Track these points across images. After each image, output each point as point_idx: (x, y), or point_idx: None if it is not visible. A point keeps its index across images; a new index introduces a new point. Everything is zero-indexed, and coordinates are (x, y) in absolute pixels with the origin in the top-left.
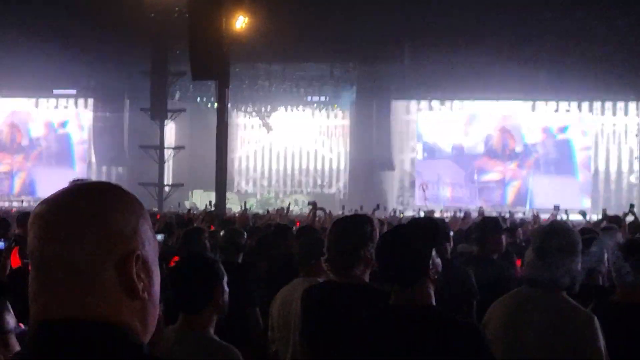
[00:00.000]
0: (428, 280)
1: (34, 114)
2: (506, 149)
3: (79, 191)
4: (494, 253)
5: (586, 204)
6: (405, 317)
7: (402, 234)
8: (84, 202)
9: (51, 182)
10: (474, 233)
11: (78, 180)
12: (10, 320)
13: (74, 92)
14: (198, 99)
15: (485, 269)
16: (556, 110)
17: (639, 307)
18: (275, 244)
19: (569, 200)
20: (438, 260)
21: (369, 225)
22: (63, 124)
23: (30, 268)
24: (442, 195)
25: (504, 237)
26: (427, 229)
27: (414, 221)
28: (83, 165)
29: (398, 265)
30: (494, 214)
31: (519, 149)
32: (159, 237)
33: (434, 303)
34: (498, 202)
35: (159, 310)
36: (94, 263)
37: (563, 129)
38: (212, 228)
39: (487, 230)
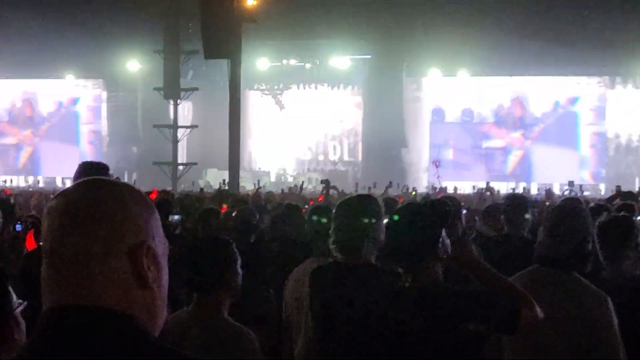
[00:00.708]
0: (437, 260)
1: (47, 90)
2: (513, 118)
3: (93, 184)
4: (523, 231)
5: (586, 177)
6: (415, 296)
7: (413, 213)
8: (98, 194)
9: (57, 159)
10: (502, 212)
11: (88, 163)
12: (13, 298)
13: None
14: (211, 77)
15: (516, 247)
16: (568, 84)
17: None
18: (286, 223)
19: (569, 173)
20: (447, 241)
21: (375, 205)
22: (74, 102)
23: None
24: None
25: (530, 213)
26: (437, 209)
27: (426, 201)
28: (97, 144)
29: (407, 244)
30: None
31: (526, 119)
32: (176, 217)
33: (442, 281)
34: (499, 169)
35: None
36: (105, 251)
37: (573, 101)
38: (224, 209)
39: (515, 208)
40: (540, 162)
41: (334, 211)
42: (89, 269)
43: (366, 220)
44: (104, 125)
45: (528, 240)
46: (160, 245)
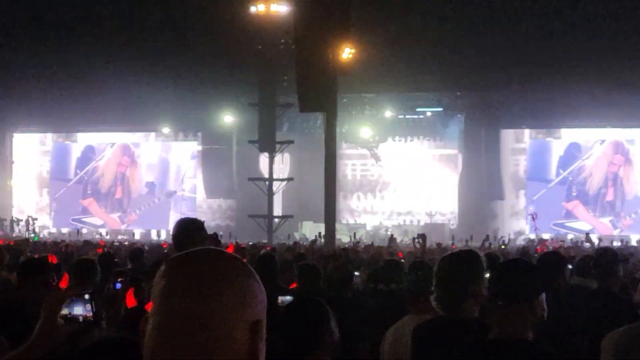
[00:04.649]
0: (531, 314)
1: (140, 157)
2: (603, 197)
3: (216, 255)
4: (614, 286)
5: None
6: (502, 351)
7: (520, 262)
8: (223, 265)
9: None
10: (592, 267)
11: (186, 220)
12: None
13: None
14: (307, 129)
15: (606, 303)
16: None
17: None
18: (386, 279)
19: None
20: (544, 305)
21: (477, 260)
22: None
23: (149, 317)
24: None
25: (621, 269)
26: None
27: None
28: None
29: (519, 281)
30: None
31: (616, 202)
32: (287, 298)
33: (530, 338)
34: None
35: None
36: (228, 323)
37: None
38: None
39: (606, 262)
40: None
41: (435, 266)
42: (207, 338)
43: (468, 277)
44: (199, 178)
45: (615, 294)
46: (264, 320)
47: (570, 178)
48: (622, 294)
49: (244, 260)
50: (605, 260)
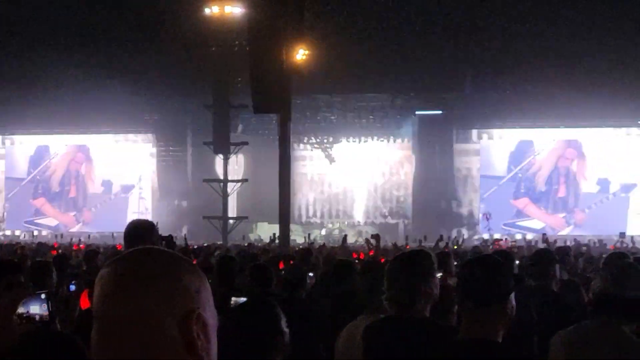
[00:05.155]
0: (502, 314)
1: (95, 158)
2: (555, 193)
3: (145, 252)
4: (550, 285)
5: None
6: (467, 351)
7: (490, 260)
8: (150, 260)
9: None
10: (529, 266)
11: (137, 221)
12: None
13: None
14: (261, 130)
15: (546, 301)
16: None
17: None
18: (338, 280)
19: None
20: (514, 302)
21: (428, 260)
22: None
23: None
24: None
25: (557, 267)
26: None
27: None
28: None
29: (490, 282)
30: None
31: (569, 198)
32: (241, 299)
33: (499, 341)
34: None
35: None
36: (157, 317)
37: (628, 188)
38: (282, 265)
39: (540, 262)
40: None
41: (387, 267)
42: (139, 334)
43: (419, 276)
44: (153, 179)
45: (554, 292)
46: (211, 317)
47: (520, 175)
48: (570, 292)
49: (194, 261)
50: (540, 261)
